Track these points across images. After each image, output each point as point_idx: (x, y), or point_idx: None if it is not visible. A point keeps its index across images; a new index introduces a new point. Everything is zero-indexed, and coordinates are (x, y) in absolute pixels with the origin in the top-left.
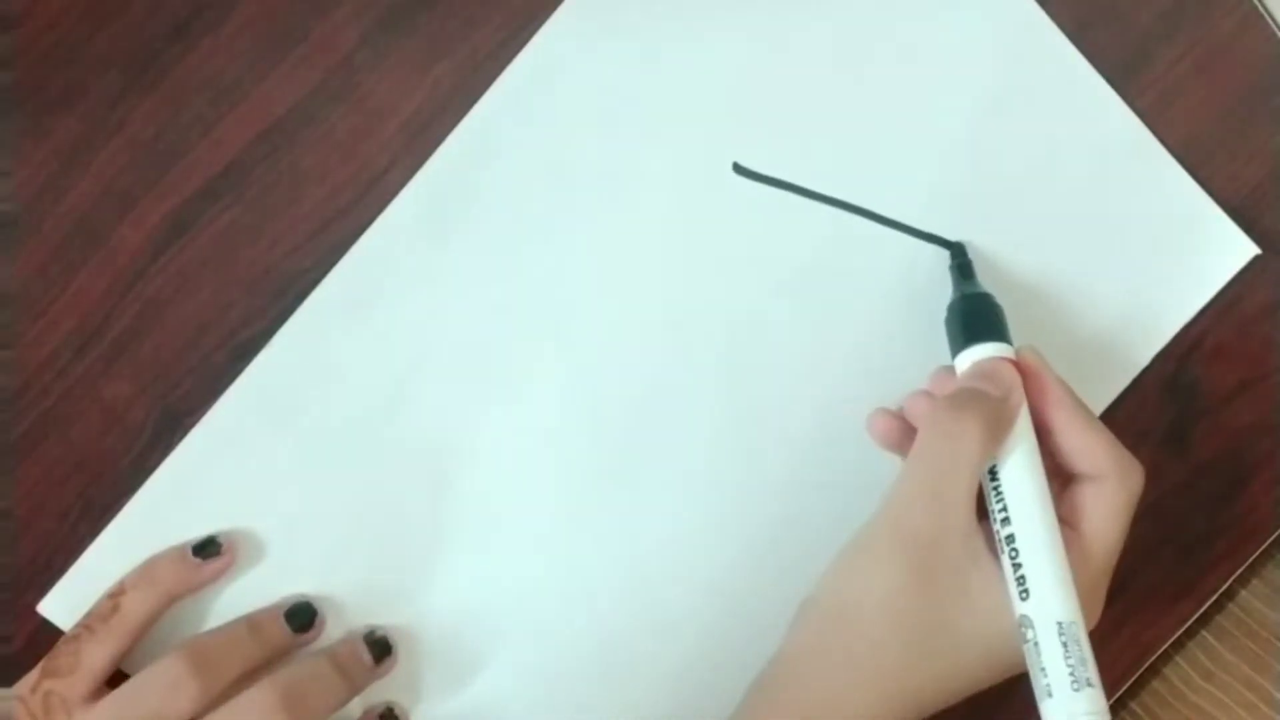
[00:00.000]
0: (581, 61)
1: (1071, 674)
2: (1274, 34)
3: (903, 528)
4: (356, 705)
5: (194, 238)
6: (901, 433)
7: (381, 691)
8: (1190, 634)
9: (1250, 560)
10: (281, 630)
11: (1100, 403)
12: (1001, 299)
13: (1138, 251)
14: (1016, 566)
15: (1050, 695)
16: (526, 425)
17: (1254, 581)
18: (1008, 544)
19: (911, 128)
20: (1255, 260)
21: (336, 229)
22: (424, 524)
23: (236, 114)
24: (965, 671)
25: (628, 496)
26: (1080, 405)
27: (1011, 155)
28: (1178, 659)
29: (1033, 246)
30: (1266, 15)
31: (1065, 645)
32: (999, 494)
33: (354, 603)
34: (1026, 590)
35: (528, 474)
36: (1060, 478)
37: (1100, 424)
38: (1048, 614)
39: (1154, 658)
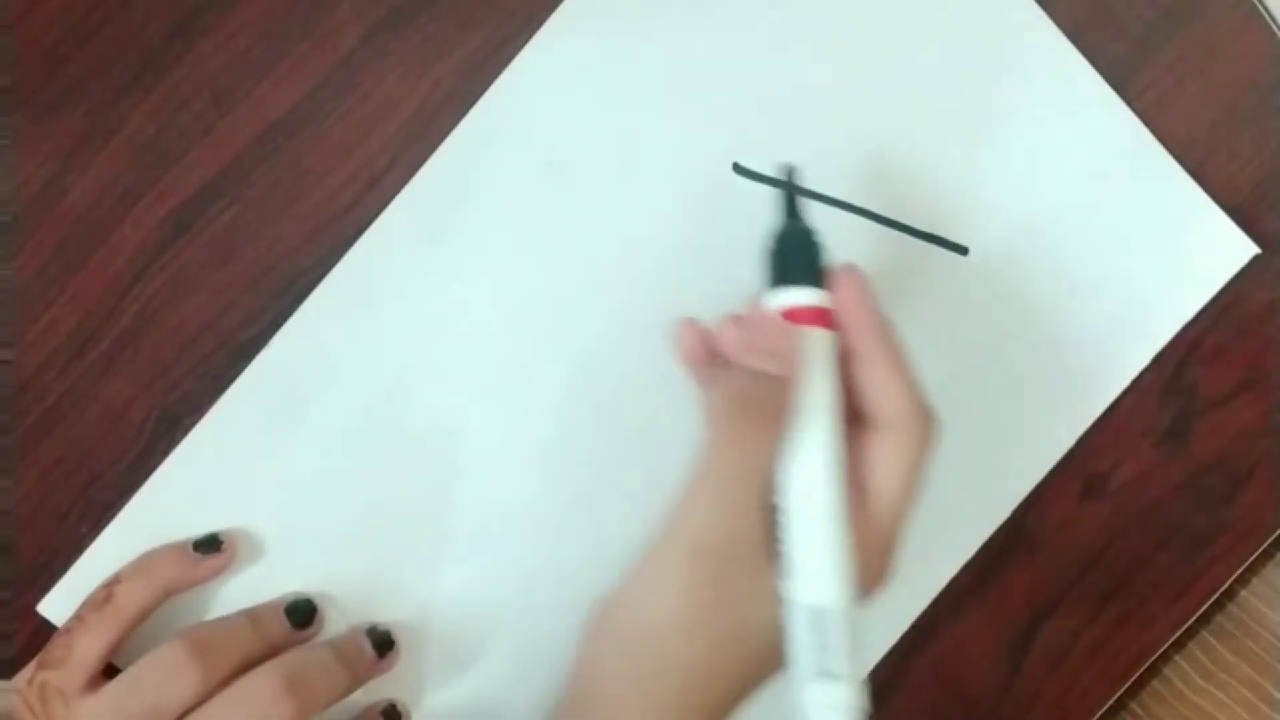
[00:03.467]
0: (580, 62)
1: (818, 661)
2: (1274, 34)
3: (695, 540)
4: (358, 701)
5: (194, 238)
6: (704, 354)
7: (383, 686)
8: (1190, 634)
9: (1250, 560)
10: (281, 625)
11: (1100, 403)
12: (1001, 299)
13: (1137, 251)
14: (784, 546)
15: (797, 681)
16: (526, 423)
17: (1254, 581)
18: (781, 521)
19: (910, 128)
20: (1255, 260)
21: (336, 229)
22: (424, 522)
23: (236, 114)
24: (759, 664)
25: (628, 492)
26: (889, 345)
27: (1011, 155)
28: (1178, 659)
29: (1032, 246)
30: (1266, 15)
31: (817, 631)
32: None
33: (355, 601)
34: (789, 571)
35: (528, 471)
36: (860, 425)
37: (906, 370)
38: (803, 597)
39: (1154, 658)
